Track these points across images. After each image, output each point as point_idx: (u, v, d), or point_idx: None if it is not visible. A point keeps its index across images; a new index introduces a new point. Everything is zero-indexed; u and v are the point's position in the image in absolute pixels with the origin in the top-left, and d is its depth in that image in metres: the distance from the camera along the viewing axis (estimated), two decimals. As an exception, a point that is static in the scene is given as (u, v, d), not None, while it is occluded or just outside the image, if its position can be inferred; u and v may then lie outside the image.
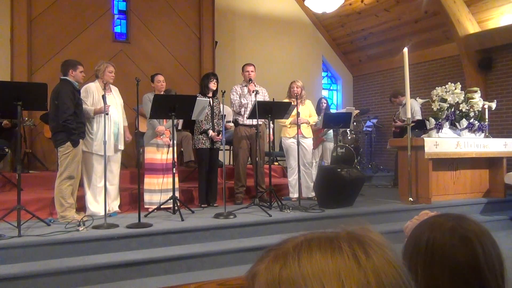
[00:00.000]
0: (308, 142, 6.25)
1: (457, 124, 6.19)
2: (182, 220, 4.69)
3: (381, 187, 7.95)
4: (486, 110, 6.44)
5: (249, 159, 6.20)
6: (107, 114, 4.79)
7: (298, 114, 5.84)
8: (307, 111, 6.28)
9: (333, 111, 8.75)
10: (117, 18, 7.91)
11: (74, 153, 4.67)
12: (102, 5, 7.63)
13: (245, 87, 6.04)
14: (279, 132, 6.53)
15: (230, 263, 4.22)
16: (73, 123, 4.63)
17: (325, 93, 10.90)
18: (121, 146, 5.27)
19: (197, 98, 5.17)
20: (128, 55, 7.76)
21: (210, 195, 5.77)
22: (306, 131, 6.23)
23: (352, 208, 5.61)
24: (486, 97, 7.48)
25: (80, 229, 4.17)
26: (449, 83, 6.13)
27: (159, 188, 5.36)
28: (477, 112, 6.24)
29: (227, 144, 6.72)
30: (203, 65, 8.28)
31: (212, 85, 5.76)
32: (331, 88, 11.39)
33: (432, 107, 6.11)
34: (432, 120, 6.08)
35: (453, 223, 1.03)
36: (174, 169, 4.98)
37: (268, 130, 6.09)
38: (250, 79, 5.98)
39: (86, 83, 5.20)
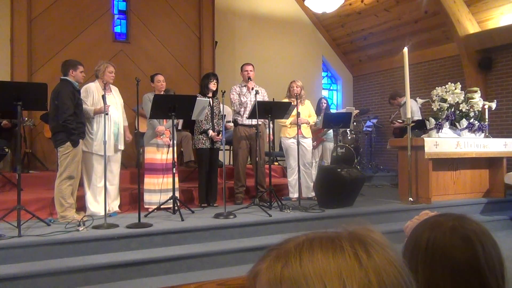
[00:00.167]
0: (308, 142, 6.26)
1: (457, 124, 6.19)
2: (182, 220, 4.69)
3: (381, 187, 7.95)
4: (486, 110, 6.44)
5: (249, 159, 6.20)
6: (107, 114, 4.79)
7: (298, 114, 5.84)
8: (306, 111, 6.28)
9: (333, 111, 8.75)
10: (117, 18, 7.91)
11: (74, 153, 4.67)
12: (102, 5, 7.63)
13: (244, 87, 6.05)
14: (279, 132, 6.53)
15: (230, 263, 4.22)
16: (73, 123, 4.63)
17: (325, 93, 10.90)
18: (121, 146, 5.27)
19: (197, 98, 5.17)
20: (128, 55, 7.76)
21: (210, 195, 5.77)
22: (306, 131, 6.24)
23: (352, 208, 5.61)
24: (486, 97, 7.48)
25: (80, 229, 4.17)
26: (449, 83, 6.13)
27: (159, 188, 5.35)
28: (477, 112, 6.24)
29: (227, 144, 6.72)
30: (203, 65, 8.28)
31: (212, 85, 5.76)
32: (331, 88, 11.39)
33: (432, 107, 6.12)
34: (432, 120, 6.08)
35: (453, 223, 1.03)
36: (174, 169, 4.99)
37: (268, 130, 6.09)
38: (249, 78, 5.99)
39: (86, 83, 5.20)
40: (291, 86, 6.23)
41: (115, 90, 5.33)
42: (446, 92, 6.06)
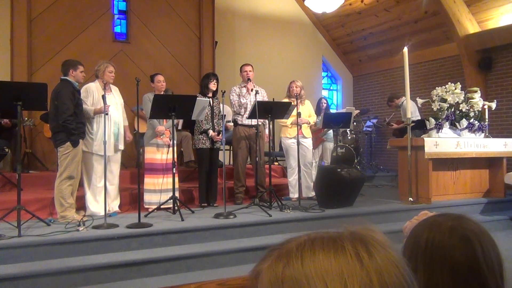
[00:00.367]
0: (308, 142, 6.26)
1: (457, 124, 6.19)
2: (182, 220, 4.69)
3: (381, 187, 7.96)
4: (486, 110, 6.44)
5: (249, 159, 6.20)
6: (107, 114, 4.79)
7: (299, 114, 5.84)
8: (306, 111, 6.28)
9: (333, 111, 8.75)
10: (117, 18, 7.91)
11: (74, 153, 4.67)
12: (102, 5, 7.63)
13: (243, 88, 6.05)
14: (279, 132, 6.53)
15: (230, 263, 4.22)
16: (73, 123, 4.63)
17: (325, 93, 10.90)
18: (121, 146, 5.27)
19: (197, 98, 5.17)
20: (128, 55, 7.76)
21: (210, 195, 5.77)
22: (306, 131, 6.24)
23: (352, 208, 5.61)
24: (486, 97, 7.49)
25: (80, 229, 4.17)
26: (449, 83, 6.14)
27: (159, 188, 5.35)
28: (477, 112, 6.24)
29: (227, 144, 6.72)
30: (203, 65, 8.28)
31: (212, 85, 5.76)
32: (331, 88, 11.39)
33: (432, 107, 6.12)
34: (432, 120, 6.08)
35: (452, 223, 1.03)
36: (174, 169, 4.99)
37: (267, 130, 6.10)
38: (248, 79, 5.99)
39: (86, 83, 5.20)
40: (290, 86, 6.24)
41: (115, 90, 5.33)
42: (446, 92, 6.06)
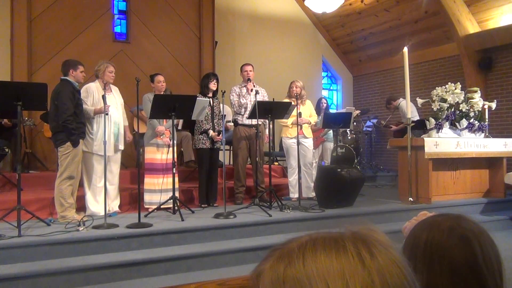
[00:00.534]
0: (309, 142, 6.26)
1: (457, 124, 6.19)
2: (182, 220, 4.69)
3: (381, 187, 7.96)
4: (486, 110, 6.44)
5: (249, 159, 6.20)
6: (107, 114, 4.79)
7: (300, 114, 5.84)
8: (307, 111, 6.28)
9: (333, 111, 8.75)
10: (117, 18, 7.91)
11: (74, 153, 4.67)
12: (102, 5, 7.63)
13: (243, 88, 6.05)
14: (279, 132, 6.53)
15: (230, 263, 4.22)
16: (73, 124, 4.63)
17: (325, 93, 10.90)
18: (121, 146, 5.27)
19: (197, 98, 5.17)
20: (128, 55, 7.76)
21: (210, 195, 5.77)
22: (307, 131, 6.24)
23: (352, 208, 5.61)
24: (486, 97, 7.48)
25: (80, 229, 4.17)
26: (449, 83, 6.14)
27: (159, 188, 5.35)
28: (477, 112, 6.24)
29: (227, 144, 6.71)
30: (203, 65, 8.28)
31: (212, 85, 5.76)
32: (331, 88, 11.39)
33: (432, 107, 6.12)
34: (432, 120, 6.08)
35: (451, 223, 1.03)
36: (174, 169, 4.98)
37: (267, 130, 6.09)
38: (248, 79, 5.99)
39: (86, 83, 5.21)
40: (291, 86, 6.23)
41: (115, 90, 5.33)
42: (446, 92, 6.06)
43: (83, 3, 7.48)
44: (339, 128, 6.74)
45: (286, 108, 5.61)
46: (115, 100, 5.23)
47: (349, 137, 8.24)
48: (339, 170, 5.51)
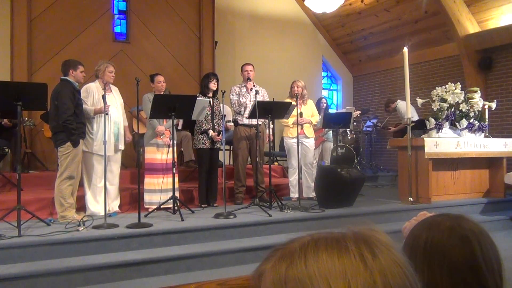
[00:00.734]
0: (310, 142, 6.26)
1: (457, 124, 6.19)
2: (182, 220, 4.69)
3: (381, 187, 7.96)
4: (486, 110, 6.44)
5: (249, 159, 6.19)
6: (107, 114, 4.79)
7: (300, 114, 5.83)
8: (309, 111, 6.28)
9: (333, 111, 8.75)
10: (117, 18, 7.91)
11: (74, 153, 4.67)
12: (102, 5, 7.63)
13: (243, 87, 6.05)
14: (280, 132, 6.53)
15: (230, 263, 4.22)
16: (73, 123, 4.63)
17: (325, 93, 10.89)
18: (122, 146, 5.27)
19: (197, 98, 5.17)
20: (128, 55, 7.76)
21: (210, 195, 5.77)
22: (309, 131, 6.23)
23: (352, 208, 5.61)
24: (486, 97, 7.48)
25: (80, 229, 4.17)
26: (449, 83, 6.13)
27: (159, 188, 5.35)
28: (477, 112, 6.24)
29: (227, 144, 6.71)
30: (203, 65, 8.28)
31: (212, 85, 5.75)
32: (331, 88, 11.38)
33: (432, 107, 6.12)
34: (432, 120, 6.08)
35: (451, 223, 1.03)
36: (174, 169, 4.98)
37: (267, 130, 6.09)
38: (248, 78, 5.99)
39: (86, 83, 5.21)
40: (292, 86, 6.23)
41: (115, 90, 5.33)
42: (446, 92, 6.06)
43: (83, 3, 7.47)
44: (339, 128, 6.74)
45: (286, 108, 5.61)
46: (115, 100, 5.23)
47: (349, 137, 8.24)
48: (339, 170, 5.51)
